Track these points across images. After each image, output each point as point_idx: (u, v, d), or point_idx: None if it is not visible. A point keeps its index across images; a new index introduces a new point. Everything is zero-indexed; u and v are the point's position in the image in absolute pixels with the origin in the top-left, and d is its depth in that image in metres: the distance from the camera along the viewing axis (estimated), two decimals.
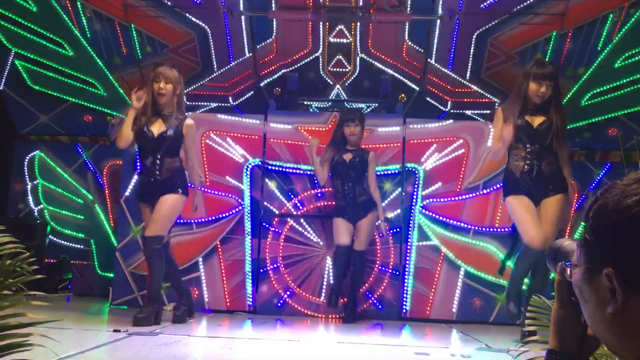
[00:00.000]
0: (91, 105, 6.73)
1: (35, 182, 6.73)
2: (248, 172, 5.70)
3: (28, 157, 6.78)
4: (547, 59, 6.59)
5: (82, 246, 6.64)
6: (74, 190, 6.70)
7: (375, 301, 5.49)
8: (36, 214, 6.68)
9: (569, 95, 6.19)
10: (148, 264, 4.22)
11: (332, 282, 5.27)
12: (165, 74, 4.19)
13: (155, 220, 4.16)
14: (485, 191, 5.58)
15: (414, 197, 5.61)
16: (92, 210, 6.63)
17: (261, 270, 5.55)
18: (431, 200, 5.60)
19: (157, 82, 4.18)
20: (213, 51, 6.90)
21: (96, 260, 6.51)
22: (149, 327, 3.93)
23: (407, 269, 5.52)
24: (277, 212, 5.62)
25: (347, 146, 5.27)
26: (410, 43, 6.91)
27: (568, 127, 6.49)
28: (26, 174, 6.76)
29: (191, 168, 4.45)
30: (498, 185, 5.54)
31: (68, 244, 6.65)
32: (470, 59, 6.80)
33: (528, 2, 6.38)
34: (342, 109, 5.98)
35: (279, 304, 5.50)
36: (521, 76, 4.21)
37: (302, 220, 5.61)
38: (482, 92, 6.73)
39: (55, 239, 6.60)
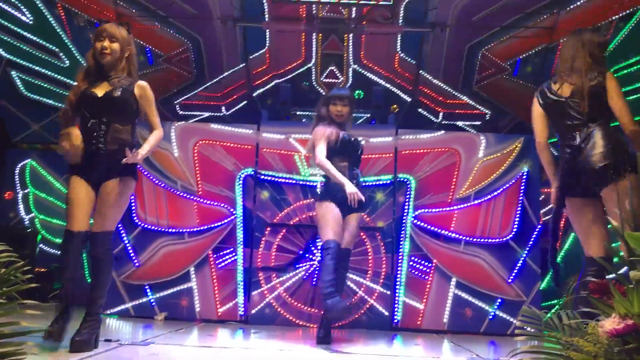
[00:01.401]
0: None
1: (26, 191, 6.71)
2: (240, 182, 5.71)
3: (19, 166, 6.76)
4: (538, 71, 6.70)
5: None
6: (65, 198, 6.67)
7: (366, 311, 5.50)
8: (27, 222, 6.65)
9: None
10: (96, 269, 3.39)
11: (327, 289, 4.01)
12: (110, 31, 3.48)
13: (103, 213, 3.36)
14: (476, 202, 5.62)
15: (406, 207, 5.64)
16: None
17: (253, 280, 5.56)
18: (423, 210, 5.63)
19: (100, 40, 3.46)
20: (206, 61, 6.93)
21: (87, 270, 6.47)
22: (134, 338, 3.91)
23: (398, 279, 5.54)
24: (269, 221, 5.63)
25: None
26: (402, 54, 6.98)
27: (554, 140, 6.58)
28: (17, 182, 6.74)
29: (156, 137, 3.56)
30: (489, 196, 5.61)
31: (59, 252, 6.60)
32: (462, 70, 6.88)
33: (519, 15, 6.47)
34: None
35: (271, 314, 5.49)
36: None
37: (294, 230, 5.61)
38: (473, 103, 6.80)
39: (45, 247, 6.57)
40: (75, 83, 3.53)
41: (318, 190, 4.57)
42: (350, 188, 4.19)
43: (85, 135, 3.37)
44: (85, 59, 3.59)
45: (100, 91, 3.42)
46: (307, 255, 5.55)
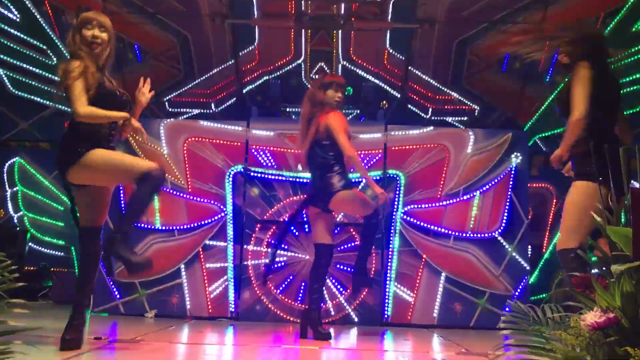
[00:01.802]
0: None
1: (15, 189, 6.67)
2: (230, 179, 5.71)
3: (8, 164, 6.73)
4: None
5: (62, 253, 6.59)
6: (54, 196, 6.66)
7: (357, 307, 5.52)
8: (16, 221, 6.62)
9: (548, 101, 6.30)
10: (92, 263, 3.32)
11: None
12: (100, 20, 3.25)
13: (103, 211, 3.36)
14: (465, 197, 5.66)
15: (396, 203, 5.67)
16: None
17: (243, 277, 5.57)
18: (412, 206, 5.66)
19: (88, 28, 3.22)
20: (195, 58, 6.91)
21: (76, 268, 6.45)
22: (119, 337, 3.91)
23: (388, 275, 5.56)
24: (259, 218, 5.63)
25: None
26: (391, 51, 6.99)
27: (547, 134, 6.62)
28: (5, 180, 6.71)
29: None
30: (478, 192, 5.64)
31: (48, 251, 6.60)
32: (451, 66, 6.90)
33: (507, 11, 6.49)
34: None
35: (262, 310, 5.51)
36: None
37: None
38: (462, 99, 6.83)
39: (35, 246, 6.55)
40: (82, 62, 3.15)
41: (334, 183, 4.21)
42: (379, 188, 4.28)
43: (104, 130, 3.25)
44: (68, 44, 3.27)
45: (115, 88, 3.30)
46: (282, 245, 5.42)
